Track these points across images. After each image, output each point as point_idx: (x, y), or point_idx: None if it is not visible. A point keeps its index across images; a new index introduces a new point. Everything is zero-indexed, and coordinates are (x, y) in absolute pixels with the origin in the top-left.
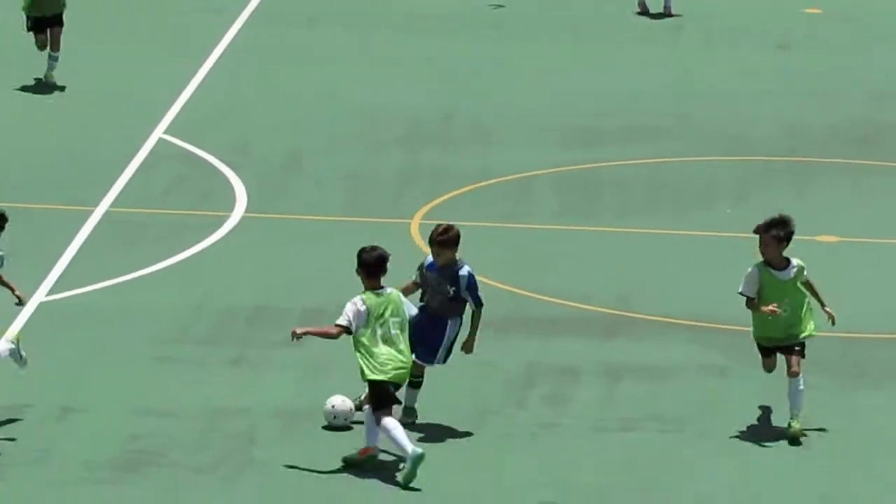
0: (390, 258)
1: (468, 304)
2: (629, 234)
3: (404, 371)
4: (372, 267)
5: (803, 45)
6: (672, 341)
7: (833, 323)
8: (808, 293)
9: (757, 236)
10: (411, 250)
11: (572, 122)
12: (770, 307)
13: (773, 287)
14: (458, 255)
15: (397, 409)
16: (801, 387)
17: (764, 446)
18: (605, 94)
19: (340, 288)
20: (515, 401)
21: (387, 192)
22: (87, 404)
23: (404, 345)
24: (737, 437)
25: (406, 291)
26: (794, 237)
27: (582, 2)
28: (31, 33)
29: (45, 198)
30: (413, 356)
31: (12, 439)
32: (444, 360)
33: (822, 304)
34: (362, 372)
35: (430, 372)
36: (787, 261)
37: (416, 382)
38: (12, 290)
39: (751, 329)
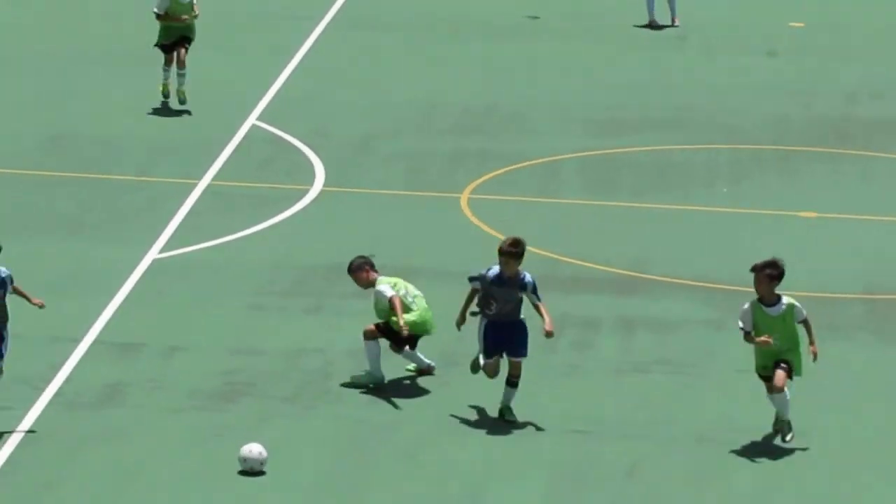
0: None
1: (526, 299)
2: (643, 209)
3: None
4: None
5: (788, 52)
6: (678, 299)
7: (815, 359)
8: (804, 330)
9: (753, 273)
10: (461, 219)
11: (594, 114)
12: (763, 338)
13: (764, 321)
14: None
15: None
16: (788, 397)
17: (754, 384)
18: (622, 91)
19: (402, 249)
20: (548, 347)
21: (440, 170)
22: (191, 344)
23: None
24: (731, 377)
25: (470, 298)
26: (780, 213)
27: (601, 13)
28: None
29: (159, 172)
30: (505, 355)
31: (130, 373)
32: None
33: (811, 342)
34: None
35: (473, 325)
36: (779, 298)
37: (514, 382)
38: (28, 298)
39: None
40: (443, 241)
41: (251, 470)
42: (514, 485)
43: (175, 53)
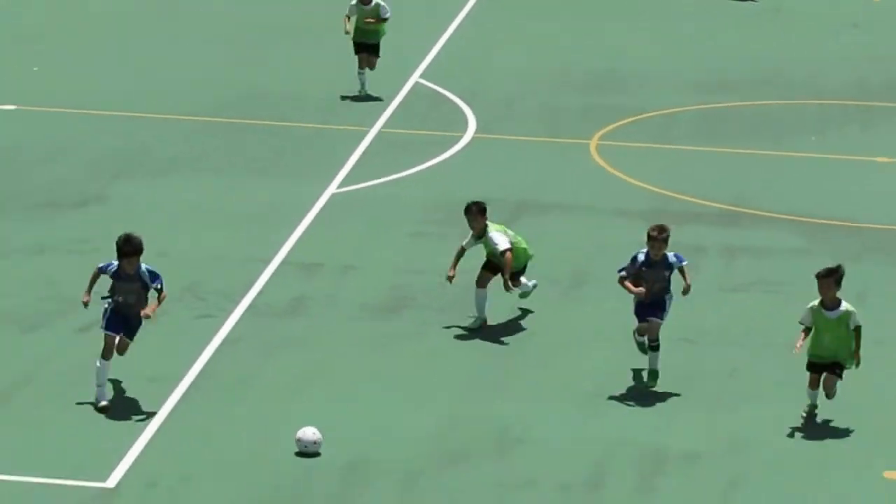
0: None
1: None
2: (743, 155)
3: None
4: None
5: (870, 23)
6: (773, 230)
7: (857, 366)
8: (853, 336)
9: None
10: (591, 163)
11: (703, 76)
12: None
13: (821, 322)
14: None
15: None
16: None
17: None
18: (725, 56)
19: (540, 188)
20: None
21: (573, 121)
22: (362, 264)
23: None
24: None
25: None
26: (859, 158)
27: None
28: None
29: (337, 121)
30: (653, 318)
31: (311, 288)
32: None
33: (857, 349)
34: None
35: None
36: (839, 302)
37: (656, 346)
38: (152, 306)
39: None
40: (575, 181)
41: (305, 451)
42: (633, 388)
43: (366, 56)
